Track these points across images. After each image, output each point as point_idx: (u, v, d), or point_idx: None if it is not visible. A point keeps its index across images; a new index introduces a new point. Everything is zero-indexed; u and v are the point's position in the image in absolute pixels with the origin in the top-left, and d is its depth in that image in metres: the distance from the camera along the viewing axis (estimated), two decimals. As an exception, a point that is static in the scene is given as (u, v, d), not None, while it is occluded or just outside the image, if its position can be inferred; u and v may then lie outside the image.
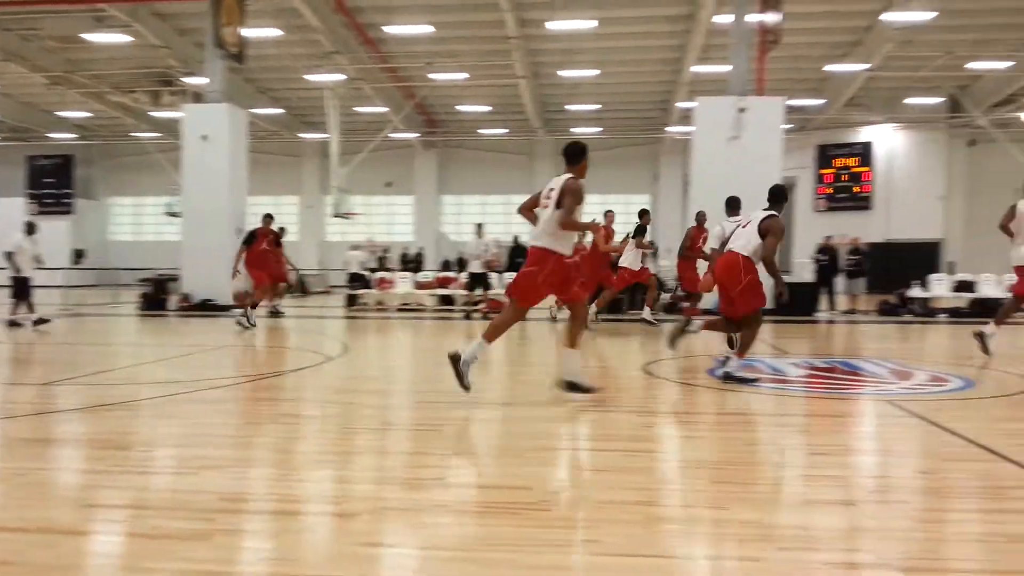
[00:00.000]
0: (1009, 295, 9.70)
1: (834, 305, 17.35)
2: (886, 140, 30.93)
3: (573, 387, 6.17)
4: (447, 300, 18.47)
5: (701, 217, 12.53)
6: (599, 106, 30.40)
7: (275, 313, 15.24)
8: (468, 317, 15.58)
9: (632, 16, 22.09)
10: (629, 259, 13.09)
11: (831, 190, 31.41)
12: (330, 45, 22.99)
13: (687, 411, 6.19)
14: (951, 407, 6.11)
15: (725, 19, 18.22)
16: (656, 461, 4.57)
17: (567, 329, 6.25)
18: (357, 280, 18.90)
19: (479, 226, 16.11)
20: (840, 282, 18.44)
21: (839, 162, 31.40)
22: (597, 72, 25.68)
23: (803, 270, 18.73)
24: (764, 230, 6.84)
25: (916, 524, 3.39)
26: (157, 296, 18.13)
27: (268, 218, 13.79)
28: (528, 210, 6.51)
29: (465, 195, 36.95)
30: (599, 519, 3.42)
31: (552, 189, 6.29)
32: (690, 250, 12.17)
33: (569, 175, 6.34)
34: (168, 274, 19.30)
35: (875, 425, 5.72)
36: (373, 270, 21.03)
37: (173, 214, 28.42)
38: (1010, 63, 23.85)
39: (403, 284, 18.75)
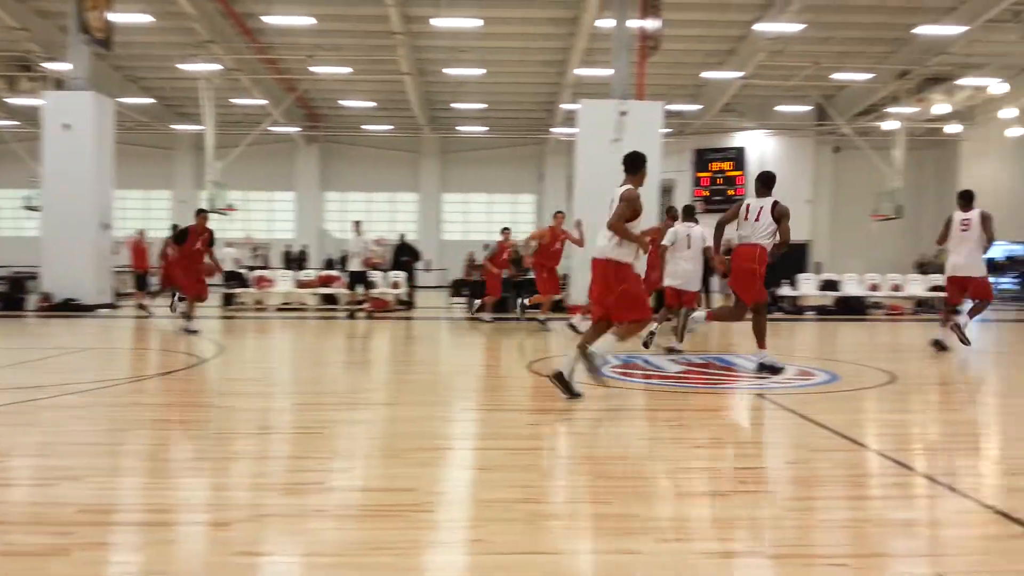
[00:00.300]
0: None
1: (710, 303, 18.01)
2: (758, 145, 32.41)
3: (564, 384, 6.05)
4: (330, 299, 18.08)
5: (672, 213, 12.64)
6: (485, 105, 30.47)
7: (143, 310, 14.52)
8: (352, 317, 15.29)
9: (516, 17, 22.24)
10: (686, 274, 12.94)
11: (707, 192, 32.62)
12: (205, 34, 22.07)
13: (571, 408, 6.25)
14: (818, 400, 6.43)
15: (607, 23, 18.60)
16: (540, 459, 4.59)
17: (627, 328, 6.33)
18: (233, 279, 18.22)
19: (358, 223, 15.79)
20: (715, 281, 19.17)
21: (715, 166, 32.66)
22: (482, 71, 25.73)
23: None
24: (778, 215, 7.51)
25: (786, 512, 3.53)
26: (14, 295, 16.94)
27: (203, 214, 12.02)
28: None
29: (350, 192, 36.28)
30: (483, 518, 3.39)
31: (613, 200, 6.48)
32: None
33: (628, 185, 6.54)
34: (27, 272, 18.06)
35: (748, 418, 5.95)
36: (251, 268, 20.33)
37: (32, 208, 26.68)
38: (871, 75, 25.47)
39: (284, 283, 18.22)
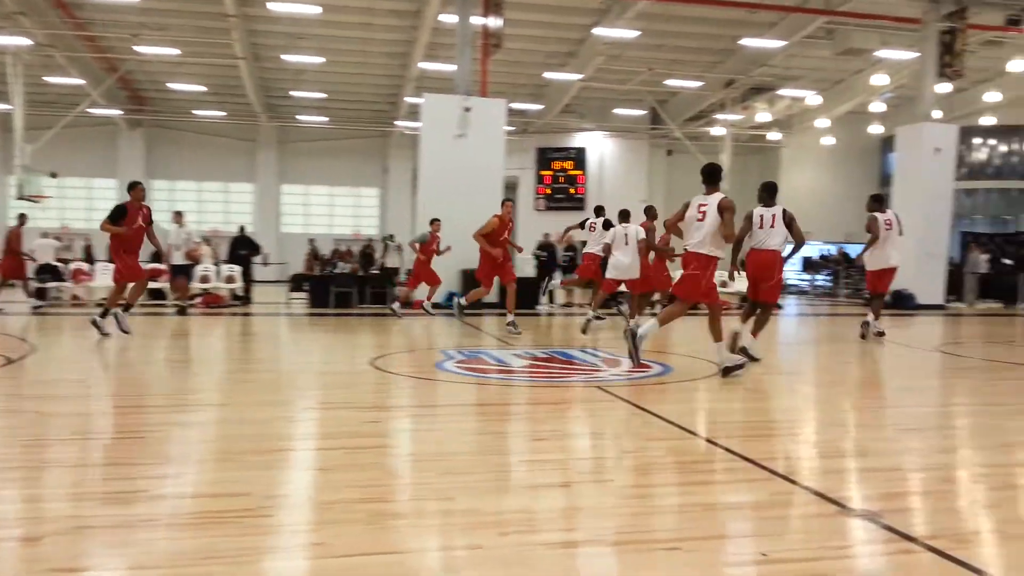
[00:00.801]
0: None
1: (553, 299, 18.42)
2: (598, 146, 33.52)
3: (732, 370, 7.12)
4: (157, 294, 17.00)
5: (652, 212, 12.74)
6: (325, 95, 29.68)
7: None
8: (182, 313, 14.44)
9: (357, 6, 21.79)
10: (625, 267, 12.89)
11: (549, 191, 33.40)
12: (13, 4, 20.15)
13: (413, 404, 6.19)
14: (653, 391, 6.70)
15: (450, 19, 18.60)
16: (381, 456, 4.49)
17: (711, 325, 7.32)
18: (47, 272, 16.78)
19: (179, 214, 14.90)
20: (557, 277, 19.63)
21: (557, 165, 33.48)
22: (322, 60, 25.03)
23: (525, 265, 19.69)
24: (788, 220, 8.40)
25: (623, 500, 3.63)
26: None
27: (139, 187, 10.07)
28: (674, 225, 7.66)
29: (180, 180, 34.28)
30: (323, 521, 3.27)
31: (704, 205, 7.25)
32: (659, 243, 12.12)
33: (719, 194, 7.32)
34: None
35: (587, 410, 6.10)
36: (66, 261, 18.80)
37: None
38: (700, 83, 26.94)
39: (104, 276, 16.96)
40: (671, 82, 26.86)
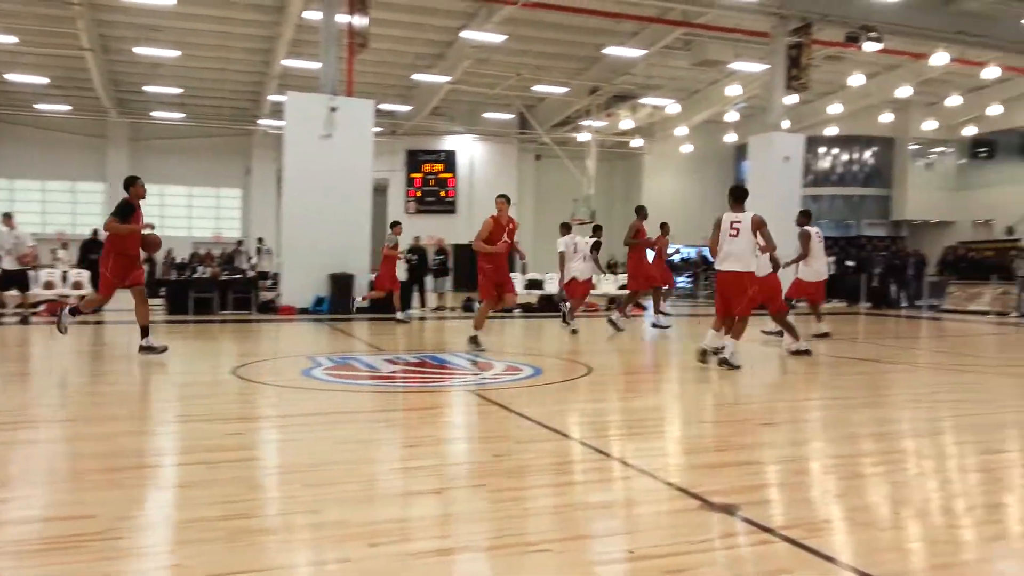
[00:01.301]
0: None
1: (425, 302, 18.31)
2: (468, 149, 33.63)
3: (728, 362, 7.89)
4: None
5: (642, 212, 13.19)
6: (182, 90, 28.33)
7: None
8: (25, 322, 13.38)
9: (216, -1, 21.01)
10: (586, 270, 13.40)
11: (420, 193, 33.23)
12: None
13: (278, 414, 5.97)
14: (524, 393, 6.74)
15: (315, 16, 18.16)
16: (244, 470, 4.29)
17: (737, 328, 8.15)
18: None
19: (8, 216, 13.74)
20: (429, 281, 19.54)
21: (427, 167, 33.35)
22: (178, 53, 23.86)
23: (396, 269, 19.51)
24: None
25: (495, 505, 3.62)
26: None
27: (139, 183, 8.89)
28: (715, 246, 8.23)
29: (20, 179, 31.82)
30: (180, 541, 3.08)
31: (737, 222, 8.02)
32: (636, 239, 12.93)
33: (749, 211, 8.07)
34: None
35: (460, 414, 6.07)
36: None
37: None
38: (566, 89, 27.52)
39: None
40: (538, 88, 27.33)
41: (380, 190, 28.90)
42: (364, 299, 15.60)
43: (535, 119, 31.66)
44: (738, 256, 8.04)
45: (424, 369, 8.24)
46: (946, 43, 21.58)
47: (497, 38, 21.93)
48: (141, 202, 8.79)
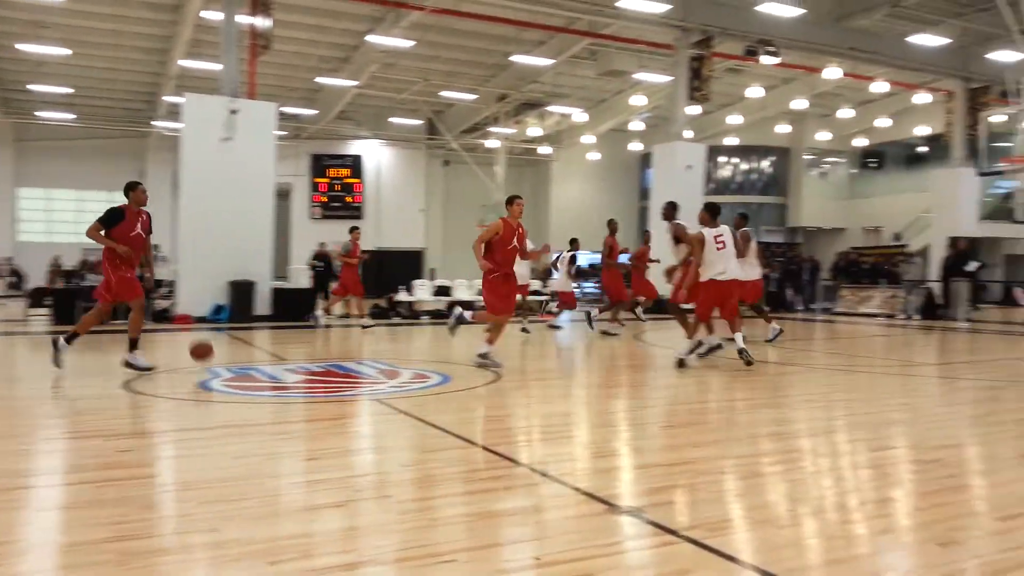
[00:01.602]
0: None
1: (330, 310, 17.93)
2: (375, 154, 33.24)
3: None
4: None
5: (613, 225, 13.48)
6: (72, 90, 26.99)
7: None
8: None
9: (109, -5, 20.13)
10: (567, 283, 14.18)
11: (326, 199, 32.63)
12: None
13: (173, 428, 5.71)
14: (432, 401, 6.66)
15: (214, 16, 17.61)
16: (136, 488, 4.07)
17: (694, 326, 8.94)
18: None
19: None
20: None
21: (333, 172, 32.77)
22: (68, 52, 22.72)
23: (300, 276, 19.04)
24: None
25: (402, 516, 3.54)
26: None
27: (139, 187, 8.29)
28: (700, 259, 8.75)
29: None
30: (66, 565, 2.89)
31: (721, 236, 8.74)
32: (610, 258, 13.46)
33: (736, 228, 9.44)
34: None
35: (366, 424, 5.95)
36: None
37: None
38: (475, 96, 27.56)
39: None
40: (447, 94, 27.26)
41: (283, 195, 28.24)
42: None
43: (443, 125, 31.58)
44: (735, 266, 8.92)
45: (329, 379, 8.06)
46: (838, 58, 22.62)
47: (405, 43, 21.75)
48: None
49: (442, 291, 19.55)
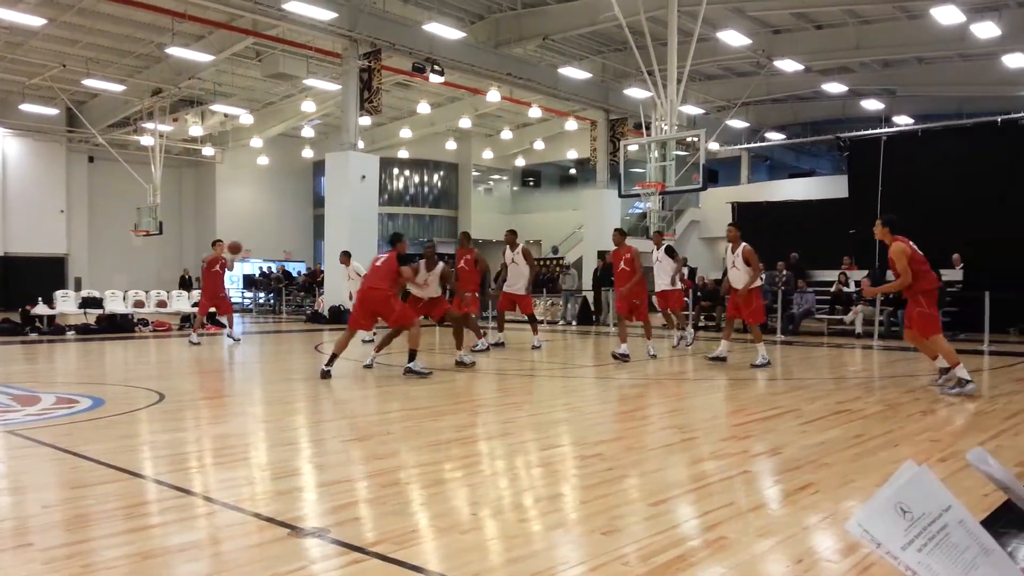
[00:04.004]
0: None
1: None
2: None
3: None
4: None
5: (466, 238, 13.26)
6: None
7: None
8: None
9: None
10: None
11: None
12: None
13: None
14: (81, 429, 5.91)
15: None
16: None
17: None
18: None
19: None
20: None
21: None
22: None
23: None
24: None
25: (51, 565, 3.07)
26: None
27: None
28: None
29: None
30: None
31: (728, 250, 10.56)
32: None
33: (743, 245, 10.29)
34: None
35: (-3, 461, 5.11)
36: None
37: None
38: (123, 87, 24.99)
39: None
40: (89, 82, 24.35)
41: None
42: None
43: (87, 117, 28.31)
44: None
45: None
46: (498, 82, 24.23)
47: (35, 21, 19.12)
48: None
49: (91, 303, 17.51)
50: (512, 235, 13.58)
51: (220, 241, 14.18)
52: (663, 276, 13.17)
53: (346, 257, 14.75)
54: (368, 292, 9.01)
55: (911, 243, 7.60)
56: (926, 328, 7.61)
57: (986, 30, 18.84)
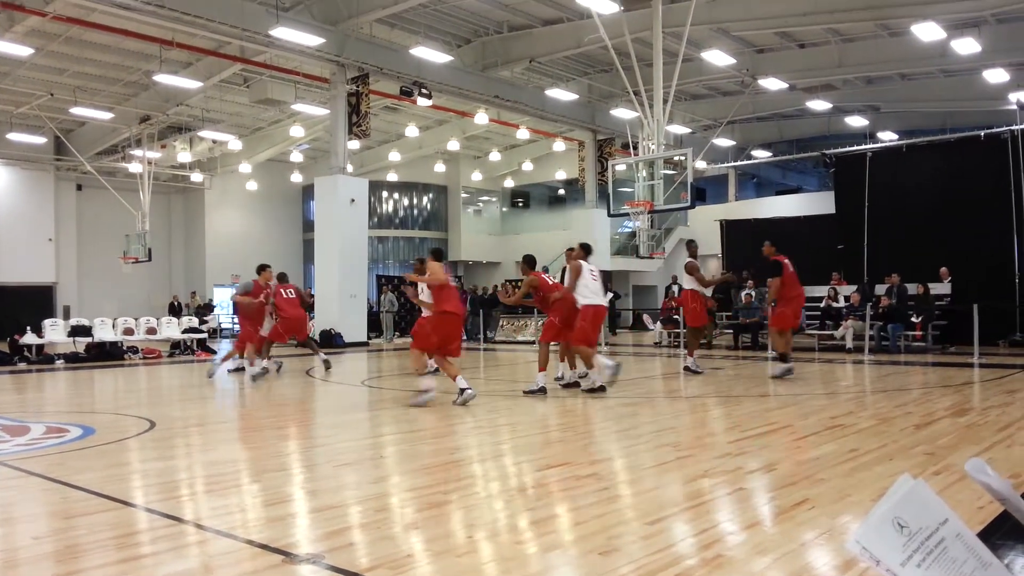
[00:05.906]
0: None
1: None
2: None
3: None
4: None
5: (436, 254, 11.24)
6: None
7: None
8: None
9: None
10: None
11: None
12: None
13: None
14: (72, 459, 5.86)
15: None
16: None
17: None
18: None
19: None
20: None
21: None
22: None
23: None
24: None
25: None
26: None
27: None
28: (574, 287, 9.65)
29: None
30: None
31: (594, 270, 9.75)
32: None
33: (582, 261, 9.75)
34: None
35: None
36: None
37: None
38: (111, 114, 24.97)
39: None
40: (77, 111, 24.33)
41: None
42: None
43: (75, 145, 28.25)
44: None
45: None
46: (486, 104, 24.37)
47: (23, 50, 19.14)
48: None
49: (80, 331, 17.41)
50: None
51: (268, 267, 12.41)
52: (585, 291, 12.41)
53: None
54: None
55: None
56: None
57: (967, 46, 19.08)
